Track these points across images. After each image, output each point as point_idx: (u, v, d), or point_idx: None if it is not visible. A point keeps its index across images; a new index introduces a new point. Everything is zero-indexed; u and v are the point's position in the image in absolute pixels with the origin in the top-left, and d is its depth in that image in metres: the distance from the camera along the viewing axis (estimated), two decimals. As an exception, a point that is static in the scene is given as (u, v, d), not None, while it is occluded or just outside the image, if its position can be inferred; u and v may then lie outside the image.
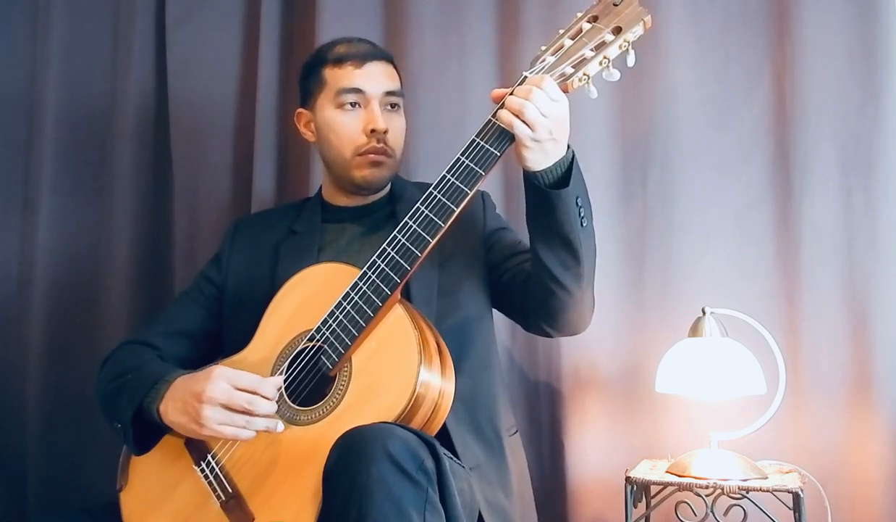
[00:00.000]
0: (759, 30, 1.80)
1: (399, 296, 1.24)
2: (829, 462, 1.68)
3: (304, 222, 1.55)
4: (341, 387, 1.20)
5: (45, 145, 2.17)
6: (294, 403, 1.24)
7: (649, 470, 1.63)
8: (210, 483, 1.25)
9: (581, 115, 1.84)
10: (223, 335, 1.51)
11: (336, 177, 1.53)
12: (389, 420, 1.14)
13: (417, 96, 1.88)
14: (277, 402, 1.23)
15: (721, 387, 1.56)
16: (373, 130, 1.45)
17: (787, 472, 1.61)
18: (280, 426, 1.20)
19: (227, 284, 1.53)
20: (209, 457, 1.27)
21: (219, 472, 1.25)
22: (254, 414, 1.20)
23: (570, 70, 1.23)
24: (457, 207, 1.21)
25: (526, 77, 1.24)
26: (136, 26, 2.14)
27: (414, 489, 1.04)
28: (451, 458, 1.27)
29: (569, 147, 1.27)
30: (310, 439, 1.19)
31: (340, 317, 1.24)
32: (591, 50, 1.23)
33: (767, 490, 1.51)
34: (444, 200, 1.22)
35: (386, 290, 1.21)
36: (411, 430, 1.11)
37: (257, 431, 1.21)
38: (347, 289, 1.24)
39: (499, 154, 1.23)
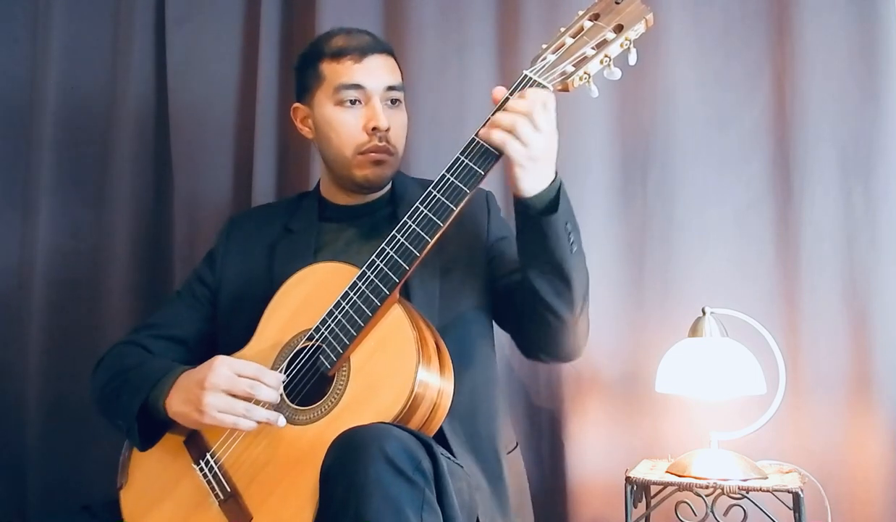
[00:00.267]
0: (759, 30, 1.80)
1: (398, 296, 1.23)
2: (829, 462, 1.68)
3: (301, 220, 1.52)
4: (340, 387, 1.20)
5: (45, 145, 2.18)
6: (293, 402, 1.24)
7: (649, 470, 1.63)
8: (209, 482, 1.24)
9: (581, 115, 1.85)
10: (218, 336, 1.48)
11: (336, 175, 1.48)
12: (388, 420, 1.14)
13: (417, 95, 1.88)
14: (279, 394, 1.23)
15: (721, 387, 1.56)
16: (374, 129, 1.41)
17: (787, 472, 1.61)
18: (282, 420, 1.20)
19: (222, 285, 1.50)
20: (208, 456, 1.27)
21: (217, 471, 1.25)
22: (256, 400, 1.20)
23: (570, 68, 1.21)
24: (456, 206, 1.20)
25: (527, 76, 1.22)
26: (136, 26, 2.14)
27: (411, 489, 1.03)
28: (449, 458, 1.27)
29: (557, 174, 1.25)
30: (308, 438, 1.18)
31: (339, 317, 1.23)
32: (593, 48, 1.21)
33: (767, 490, 1.51)
34: (443, 199, 1.21)
35: (385, 290, 1.21)
36: (409, 430, 1.11)
37: (258, 422, 1.20)
38: (346, 289, 1.24)
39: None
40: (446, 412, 1.22)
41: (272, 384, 1.22)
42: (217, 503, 1.23)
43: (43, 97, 2.19)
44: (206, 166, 2.08)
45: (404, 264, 1.21)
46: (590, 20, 1.23)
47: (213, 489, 1.24)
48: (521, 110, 1.18)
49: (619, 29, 1.21)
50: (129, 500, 1.33)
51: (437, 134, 1.89)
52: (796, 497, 1.50)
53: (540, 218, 1.21)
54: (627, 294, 1.82)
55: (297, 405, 1.23)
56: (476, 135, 1.23)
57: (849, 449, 1.68)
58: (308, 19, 2.01)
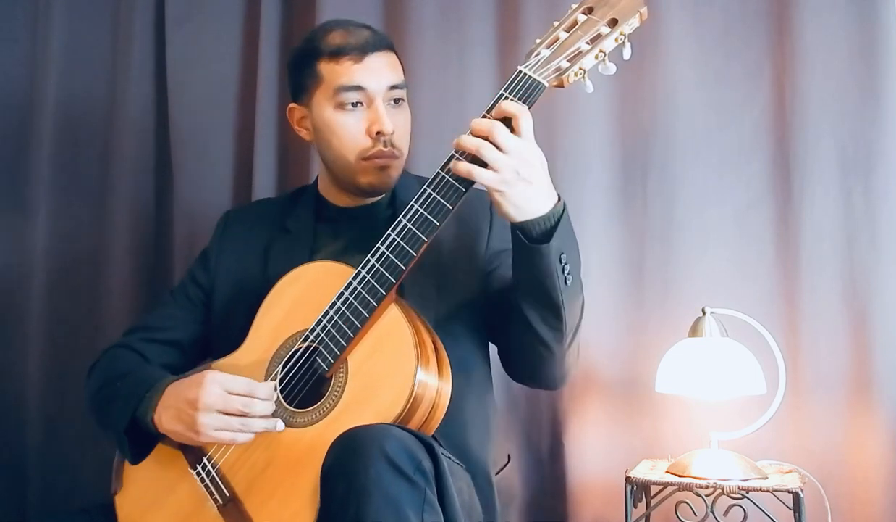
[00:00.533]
0: (759, 30, 1.80)
1: (395, 295, 1.22)
2: (829, 462, 1.68)
3: (298, 220, 1.47)
4: (338, 388, 1.19)
5: (44, 145, 2.17)
6: (290, 405, 1.22)
7: (649, 470, 1.63)
8: (207, 487, 1.23)
9: (581, 115, 1.85)
10: (212, 337, 1.46)
11: (337, 178, 1.42)
12: (388, 422, 1.13)
13: (417, 96, 1.88)
14: (274, 404, 1.21)
15: (721, 387, 1.56)
16: (378, 133, 1.34)
17: (787, 472, 1.61)
18: (280, 424, 1.19)
19: (215, 285, 1.47)
20: (205, 460, 1.25)
21: (215, 475, 1.23)
22: (251, 416, 1.18)
23: (565, 64, 1.18)
24: (452, 205, 1.17)
25: (521, 72, 1.19)
26: (136, 26, 2.14)
27: (412, 489, 1.03)
28: (449, 457, 1.26)
29: (561, 201, 1.18)
30: (307, 440, 1.17)
31: (335, 318, 1.21)
32: (587, 43, 1.18)
33: (767, 490, 1.51)
34: (438, 198, 1.18)
35: (381, 290, 1.19)
36: (409, 430, 1.10)
37: (255, 433, 1.19)
38: (342, 289, 1.22)
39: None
40: (444, 411, 1.21)
41: (265, 397, 1.20)
42: (216, 507, 1.22)
43: (43, 97, 2.19)
44: (206, 166, 2.08)
45: (400, 264, 1.18)
46: (583, 14, 1.21)
47: (211, 493, 1.22)
48: (481, 131, 1.13)
49: (613, 23, 1.19)
50: (126, 505, 1.32)
51: (437, 134, 1.89)
52: (796, 497, 1.50)
53: (530, 246, 1.15)
54: (627, 294, 1.82)
55: (294, 407, 1.22)
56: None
57: (849, 449, 1.68)
58: (308, 19, 2.01)
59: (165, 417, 1.24)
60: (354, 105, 1.35)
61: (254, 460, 1.21)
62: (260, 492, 1.19)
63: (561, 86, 1.19)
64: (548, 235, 1.15)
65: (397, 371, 1.15)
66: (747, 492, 1.53)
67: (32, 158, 2.20)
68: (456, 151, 1.17)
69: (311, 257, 1.40)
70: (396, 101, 1.39)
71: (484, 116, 1.18)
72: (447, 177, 1.17)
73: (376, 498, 1.01)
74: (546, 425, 1.86)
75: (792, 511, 1.51)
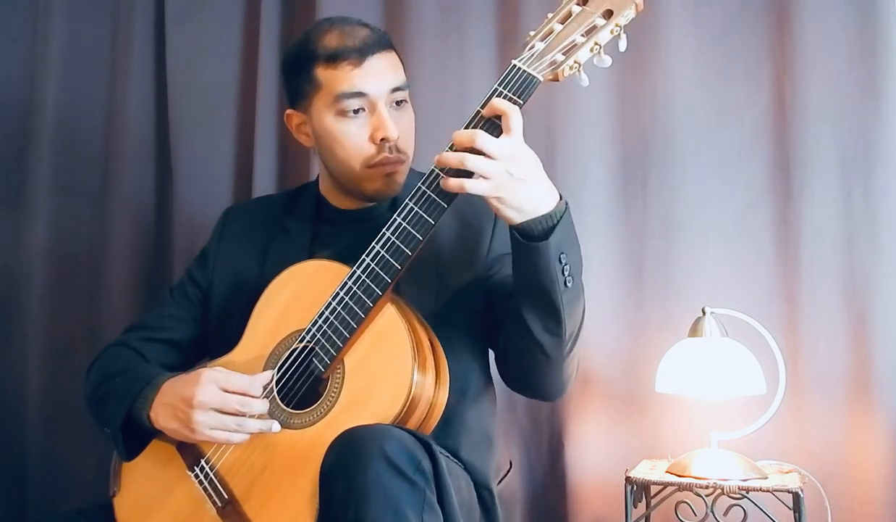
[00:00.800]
0: (759, 29, 1.80)
1: (392, 294, 1.21)
2: (829, 462, 1.68)
3: (297, 220, 1.44)
4: (335, 389, 1.18)
5: (44, 145, 2.17)
6: (287, 406, 1.22)
7: (649, 470, 1.63)
8: (205, 489, 1.23)
9: (581, 115, 1.85)
10: (209, 336, 1.45)
11: (341, 185, 1.38)
12: (387, 422, 1.12)
13: (417, 95, 1.87)
14: (270, 405, 1.21)
15: (721, 387, 1.56)
16: (383, 139, 1.29)
17: (787, 472, 1.61)
18: (276, 426, 1.18)
19: (213, 285, 1.46)
20: (203, 462, 1.25)
21: (213, 477, 1.23)
22: (246, 416, 1.18)
23: (560, 57, 1.15)
24: (447, 204, 1.16)
25: (515, 66, 1.16)
26: (136, 26, 2.14)
27: (411, 490, 1.02)
28: (448, 457, 1.26)
29: (563, 199, 1.15)
30: (306, 442, 1.17)
31: (331, 318, 1.20)
32: (582, 35, 1.15)
33: (767, 490, 1.51)
34: (433, 196, 1.16)
35: (377, 291, 1.18)
36: (407, 430, 1.10)
37: (251, 433, 1.19)
38: (337, 289, 1.20)
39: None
40: (443, 410, 1.20)
41: (259, 395, 1.19)
42: (215, 509, 1.21)
43: (43, 97, 2.19)
44: (206, 166, 2.08)
45: (396, 264, 1.17)
46: (578, 5, 1.18)
47: (210, 496, 1.22)
48: (464, 143, 1.11)
49: (608, 14, 1.15)
50: (124, 507, 1.31)
51: (436, 134, 1.87)
52: (796, 497, 1.50)
53: (528, 244, 1.12)
54: (627, 294, 1.82)
55: (292, 408, 1.22)
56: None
57: (849, 449, 1.68)
58: (308, 19, 2.00)
59: (161, 414, 1.24)
60: (356, 112, 1.30)
61: (252, 461, 1.21)
62: (259, 494, 1.19)
63: (556, 79, 1.17)
64: (548, 233, 1.12)
65: (395, 371, 1.15)
66: (747, 492, 1.53)
67: (32, 158, 2.20)
68: (437, 167, 1.15)
69: (309, 259, 1.37)
70: (399, 102, 1.34)
71: (477, 112, 1.16)
72: (436, 180, 1.15)
73: (376, 499, 1.00)
74: (546, 424, 1.86)
75: (792, 511, 1.51)
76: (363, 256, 1.20)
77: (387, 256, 1.18)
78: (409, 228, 1.17)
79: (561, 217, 1.13)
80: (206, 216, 2.04)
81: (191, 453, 1.27)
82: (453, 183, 1.11)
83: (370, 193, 1.35)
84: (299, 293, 1.27)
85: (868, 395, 1.67)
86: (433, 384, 1.18)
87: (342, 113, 1.30)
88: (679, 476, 1.56)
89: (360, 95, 1.29)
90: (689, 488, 1.54)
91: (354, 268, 1.20)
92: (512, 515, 1.43)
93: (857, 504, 1.67)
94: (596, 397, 1.82)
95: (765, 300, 1.74)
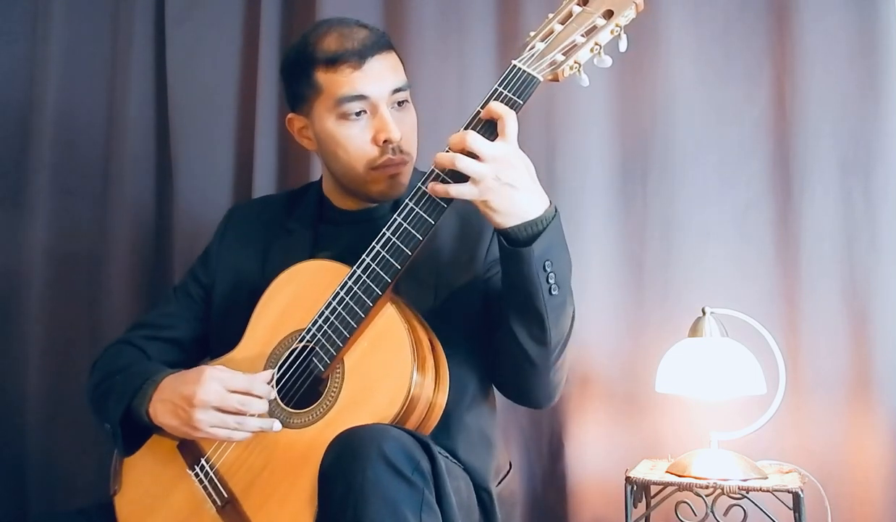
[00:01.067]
0: (759, 29, 1.80)
1: (391, 294, 1.21)
2: (829, 462, 1.68)
3: (299, 221, 1.44)
4: (335, 389, 1.19)
5: (44, 145, 2.17)
6: (287, 405, 1.22)
7: (649, 470, 1.63)
8: (205, 488, 1.23)
9: (581, 115, 1.85)
10: (210, 335, 1.46)
11: (345, 187, 1.38)
12: (386, 422, 1.12)
13: (417, 96, 1.87)
14: (270, 404, 1.21)
15: (721, 387, 1.56)
16: (386, 141, 1.29)
17: (787, 472, 1.61)
18: (276, 425, 1.18)
19: (216, 285, 1.46)
20: (203, 461, 1.25)
21: (213, 476, 1.23)
22: (247, 415, 1.18)
23: (560, 58, 1.16)
24: (447, 204, 1.17)
25: (515, 66, 1.17)
26: (136, 26, 2.14)
27: (410, 490, 1.03)
28: (447, 457, 1.26)
29: (553, 206, 1.15)
30: (305, 441, 1.17)
31: (332, 318, 1.20)
32: (582, 35, 1.16)
33: (767, 490, 1.51)
34: (433, 196, 1.17)
35: (377, 290, 1.18)
36: (406, 430, 1.10)
37: (252, 432, 1.19)
38: (337, 289, 1.21)
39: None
40: (442, 409, 1.21)
41: (263, 395, 1.19)
42: (214, 508, 1.21)
43: (42, 97, 2.19)
44: (206, 166, 2.08)
45: (396, 264, 1.17)
46: (578, 5, 1.18)
47: (209, 495, 1.22)
48: (456, 144, 1.11)
49: (608, 14, 1.16)
50: (124, 506, 1.31)
51: (437, 134, 1.87)
52: (796, 497, 1.50)
53: (511, 250, 1.12)
54: (627, 294, 1.82)
55: (291, 407, 1.22)
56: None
57: (849, 449, 1.68)
58: (308, 19, 2.00)
59: (160, 410, 1.24)
60: (358, 114, 1.30)
61: (252, 461, 1.21)
62: (258, 493, 1.19)
63: (556, 79, 1.17)
64: (532, 239, 1.12)
65: (394, 371, 1.15)
66: (747, 492, 1.53)
67: (32, 158, 2.19)
68: (435, 168, 1.16)
69: (310, 259, 1.37)
70: (400, 103, 1.34)
71: (477, 112, 1.17)
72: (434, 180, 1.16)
73: (374, 499, 1.00)
74: (546, 425, 1.86)
75: (792, 511, 1.51)
76: (363, 255, 1.21)
77: (387, 256, 1.19)
78: (409, 228, 1.18)
79: (548, 224, 1.13)
80: (206, 216, 2.05)
81: (191, 452, 1.27)
82: (439, 188, 1.13)
83: (375, 195, 1.35)
84: (300, 293, 1.28)
85: (868, 395, 1.67)
86: (433, 384, 1.18)
87: (344, 116, 1.30)
88: (679, 476, 1.56)
89: (361, 98, 1.29)
90: (689, 488, 1.54)
91: (354, 268, 1.21)
92: (511, 516, 1.43)
93: (857, 504, 1.67)
94: (596, 397, 1.82)
95: (765, 300, 1.74)
